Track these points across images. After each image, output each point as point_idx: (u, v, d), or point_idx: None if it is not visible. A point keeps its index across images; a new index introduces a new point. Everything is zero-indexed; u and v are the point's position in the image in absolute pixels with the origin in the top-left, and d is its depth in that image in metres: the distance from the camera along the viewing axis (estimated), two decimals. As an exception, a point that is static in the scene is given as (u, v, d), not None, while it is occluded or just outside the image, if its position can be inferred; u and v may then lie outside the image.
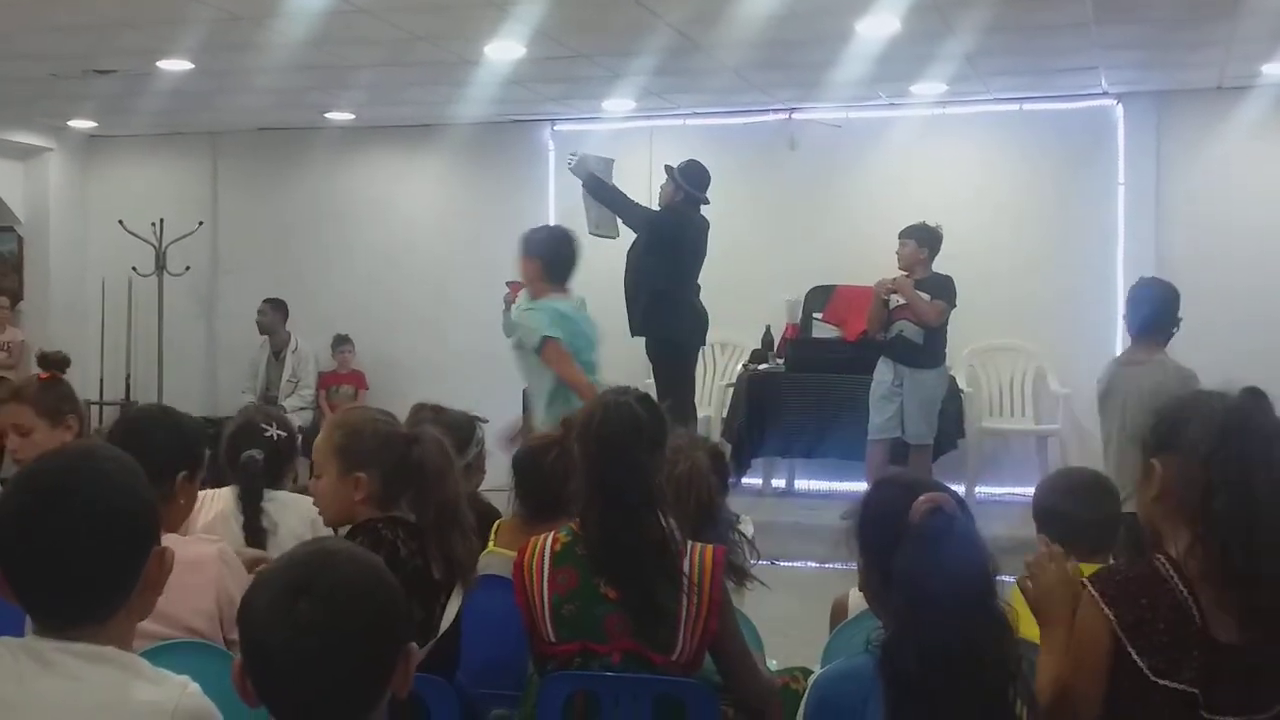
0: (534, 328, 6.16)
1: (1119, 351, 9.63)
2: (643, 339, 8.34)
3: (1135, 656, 2.31)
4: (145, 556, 2.04)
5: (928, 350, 8.31)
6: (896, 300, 8.29)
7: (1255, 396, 2.40)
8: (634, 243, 8.40)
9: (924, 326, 8.23)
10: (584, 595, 3.00)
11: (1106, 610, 2.35)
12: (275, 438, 3.95)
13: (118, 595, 2.01)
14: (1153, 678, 2.30)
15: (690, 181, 8.31)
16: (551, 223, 10.77)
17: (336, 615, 1.74)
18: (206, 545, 3.23)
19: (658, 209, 8.46)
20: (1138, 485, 2.53)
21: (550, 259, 6.35)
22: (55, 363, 4.24)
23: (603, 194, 8.49)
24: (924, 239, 8.33)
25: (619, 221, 8.55)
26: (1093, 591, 2.38)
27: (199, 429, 3.43)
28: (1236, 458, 2.31)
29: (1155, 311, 5.85)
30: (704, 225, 8.36)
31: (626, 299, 8.29)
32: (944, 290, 8.25)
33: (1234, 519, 2.28)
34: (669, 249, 8.17)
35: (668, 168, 8.45)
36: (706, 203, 8.37)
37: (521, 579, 3.06)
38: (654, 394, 7.30)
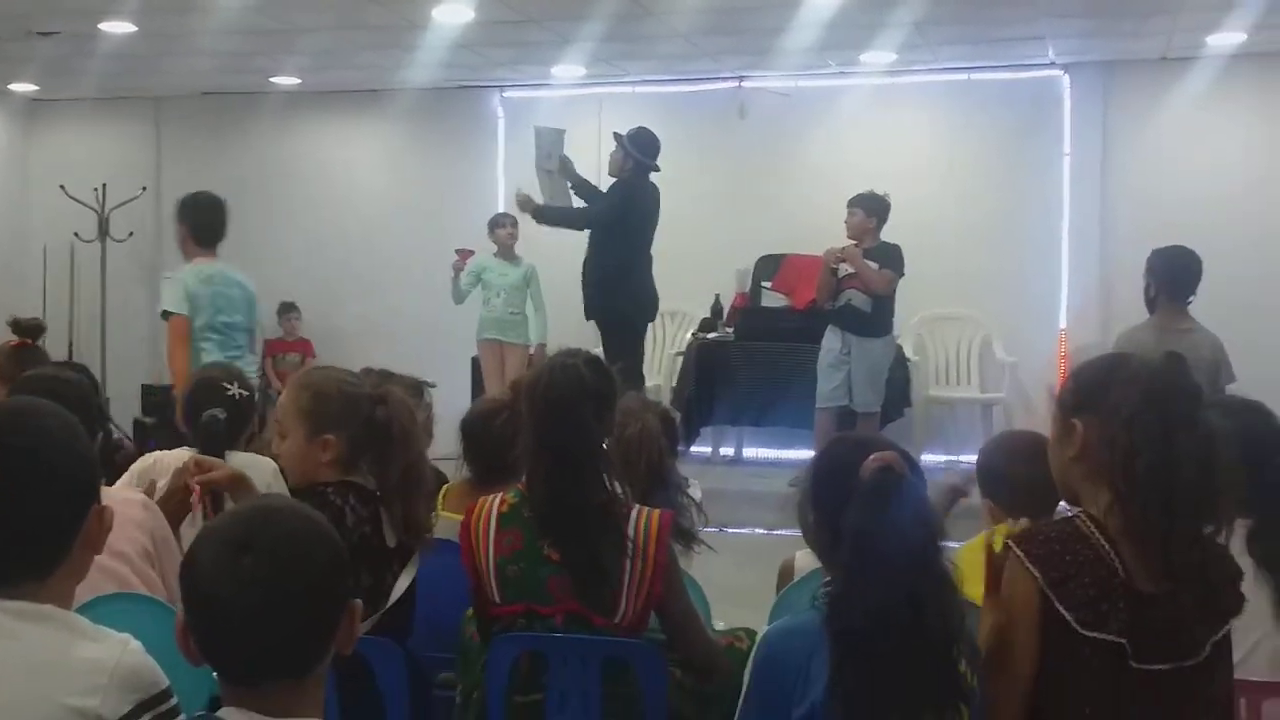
0: (163, 299, 6.43)
1: (1064, 322, 9.80)
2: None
3: (1063, 611, 2.35)
4: (85, 514, 2.01)
5: (876, 319, 8.34)
6: (845, 269, 8.31)
7: (1175, 359, 2.44)
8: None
9: (872, 295, 8.26)
10: (528, 556, 3.00)
11: (1032, 569, 2.37)
12: (237, 396, 3.88)
13: (57, 553, 1.98)
14: (1081, 630, 2.34)
15: (640, 149, 8.28)
16: (500, 191, 10.79)
17: (280, 570, 1.74)
18: (132, 492, 3.31)
19: (604, 190, 8.41)
20: (1053, 444, 2.57)
21: (196, 224, 6.56)
22: (28, 329, 4.21)
23: (555, 217, 8.50)
24: (872, 208, 8.35)
25: (574, 199, 8.55)
26: (1018, 551, 2.41)
27: (89, 386, 3.46)
28: (1159, 420, 2.34)
29: (1193, 276, 5.97)
30: (655, 192, 8.35)
31: (582, 280, 8.28)
32: (892, 259, 8.29)
33: (1155, 480, 2.32)
34: (618, 224, 8.17)
35: (617, 135, 8.41)
36: (657, 170, 8.35)
37: (468, 539, 3.05)
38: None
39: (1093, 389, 2.47)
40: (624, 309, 8.25)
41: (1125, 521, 2.36)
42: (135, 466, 3.79)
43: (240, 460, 3.77)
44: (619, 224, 8.18)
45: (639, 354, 8.50)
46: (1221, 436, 2.38)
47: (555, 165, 8.58)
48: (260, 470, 3.69)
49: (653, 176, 8.36)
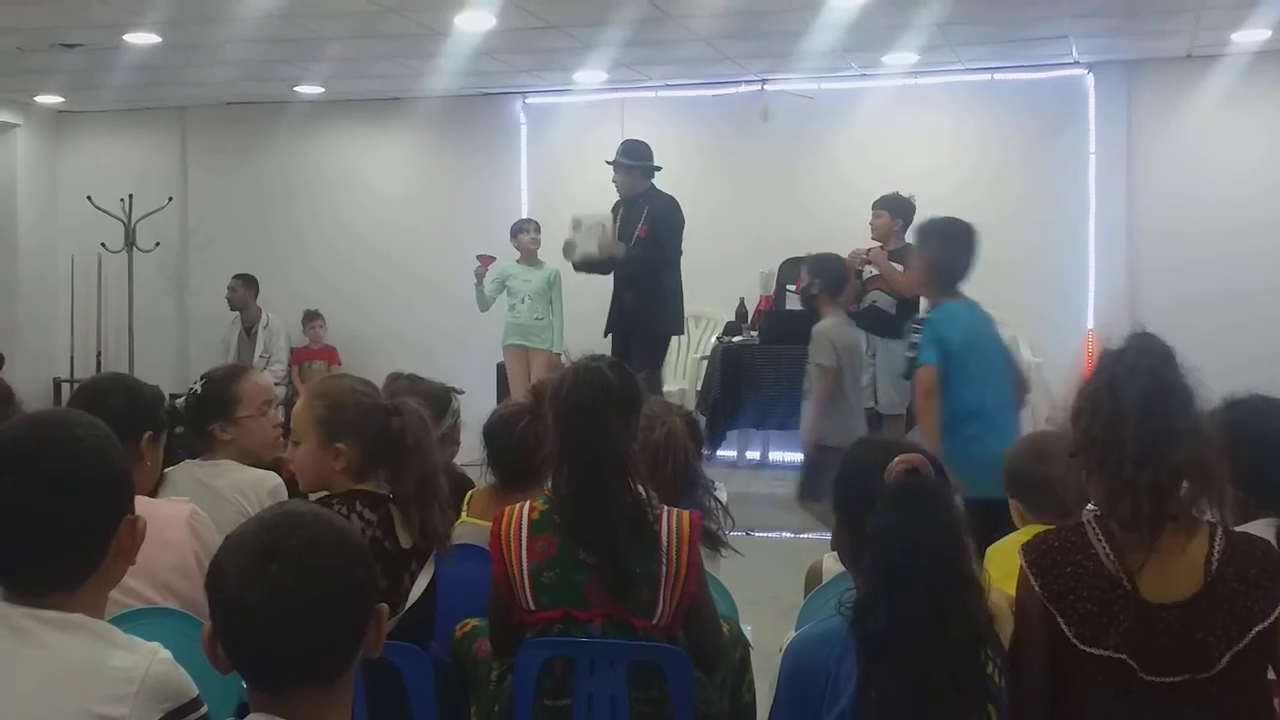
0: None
1: (1091, 322, 9.75)
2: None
3: (1063, 625, 2.34)
4: (116, 524, 2.02)
5: (900, 320, 8.30)
6: (870, 271, 8.28)
7: (1141, 337, 2.49)
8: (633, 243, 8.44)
9: (897, 297, 8.23)
10: (563, 562, 2.99)
11: (1033, 580, 2.38)
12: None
13: (88, 563, 2.00)
14: (1080, 646, 2.33)
15: (637, 157, 8.33)
16: (524, 198, 10.81)
17: (307, 577, 1.74)
18: (178, 506, 3.21)
19: (645, 239, 8.35)
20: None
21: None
22: None
23: (605, 267, 8.56)
24: (897, 210, 8.32)
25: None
26: (1023, 561, 2.42)
27: (157, 393, 3.41)
28: (1106, 381, 2.40)
29: (850, 277, 6.92)
30: (673, 200, 8.41)
31: (618, 291, 8.42)
32: (918, 260, 8.25)
33: (1108, 431, 2.37)
34: (670, 239, 8.30)
35: (610, 162, 8.41)
36: (659, 169, 8.40)
37: (499, 548, 3.04)
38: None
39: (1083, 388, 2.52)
40: (664, 321, 8.42)
41: (1108, 488, 2.38)
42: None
43: (246, 477, 3.67)
44: (670, 240, 8.31)
45: (661, 362, 8.59)
46: (1185, 390, 2.41)
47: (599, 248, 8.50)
48: (260, 486, 3.63)
49: (674, 181, 8.39)
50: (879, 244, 8.31)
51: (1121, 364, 2.41)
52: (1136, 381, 2.37)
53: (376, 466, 3.20)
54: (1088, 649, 2.32)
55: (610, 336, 8.49)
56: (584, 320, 9.09)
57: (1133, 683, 2.31)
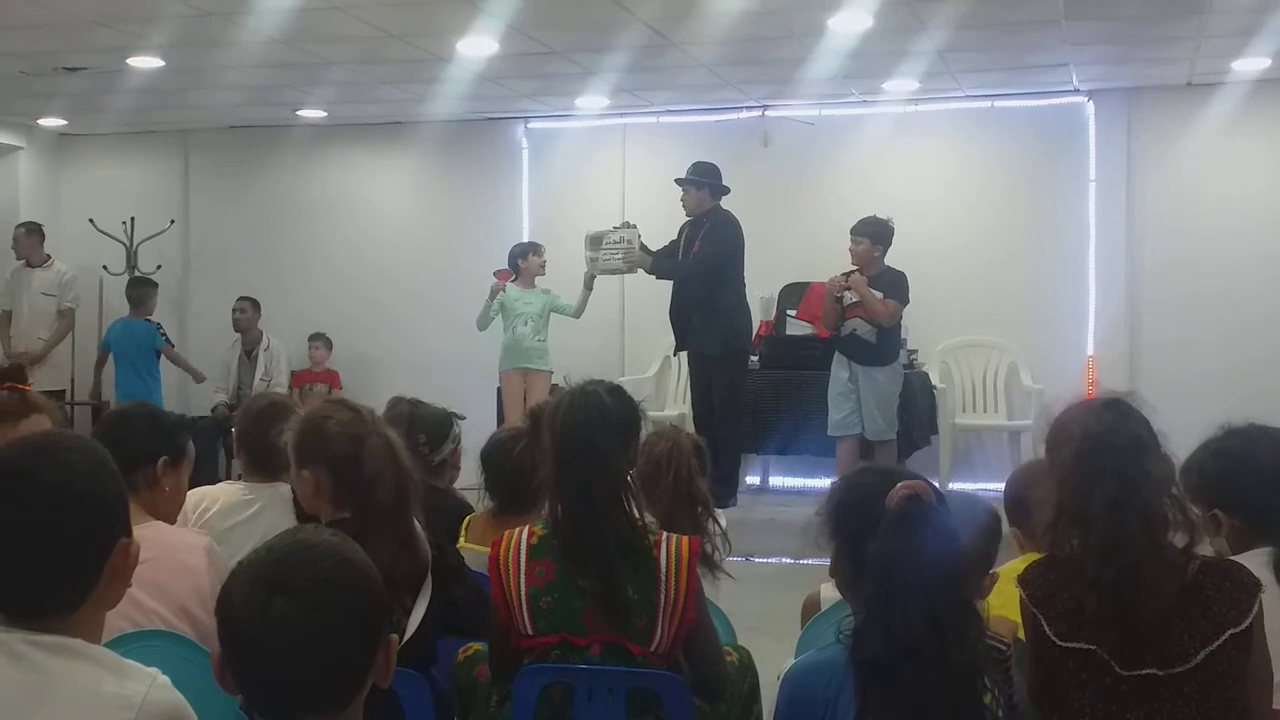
0: None
1: (1091, 349, 9.76)
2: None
3: (1045, 625, 2.41)
4: (110, 548, 2.01)
5: (881, 348, 8.26)
6: (850, 298, 8.24)
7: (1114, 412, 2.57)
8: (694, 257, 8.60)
9: (877, 326, 8.20)
10: (562, 587, 2.98)
11: (1021, 592, 2.48)
12: None
13: (83, 586, 1.98)
14: (1058, 641, 2.39)
15: (714, 177, 8.66)
16: (525, 222, 10.83)
17: (312, 612, 1.73)
18: (196, 536, 3.25)
19: (713, 245, 8.58)
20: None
21: None
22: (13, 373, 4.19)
23: (670, 269, 8.80)
24: (876, 236, 8.24)
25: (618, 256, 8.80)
26: (1016, 582, 2.52)
27: (180, 420, 3.44)
28: (1081, 478, 2.52)
29: None
30: (730, 219, 8.71)
31: (687, 312, 8.62)
32: (896, 288, 8.18)
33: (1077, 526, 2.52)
34: (736, 257, 8.59)
35: (680, 180, 8.67)
36: (728, 190, 8.73)
37: (498, 573, 3.03)
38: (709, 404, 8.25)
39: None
40: (744, 341, 8.70)
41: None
42: (187, 504, 3.65)
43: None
44: (736, 256, 8.55)
45: (740, 381, 8.84)
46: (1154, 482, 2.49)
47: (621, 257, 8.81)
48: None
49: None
50: (856, 269, 8.27)
51: (1092, 463, 2.49)
52: (1106, 483, 2.46)
53: (353, 496, 3.05)
54: (1063, 643, 2.37)
55: (685, 355, 8.94)
56: (588, 345, 9.12)
57: (1110, 677, 2.34)
